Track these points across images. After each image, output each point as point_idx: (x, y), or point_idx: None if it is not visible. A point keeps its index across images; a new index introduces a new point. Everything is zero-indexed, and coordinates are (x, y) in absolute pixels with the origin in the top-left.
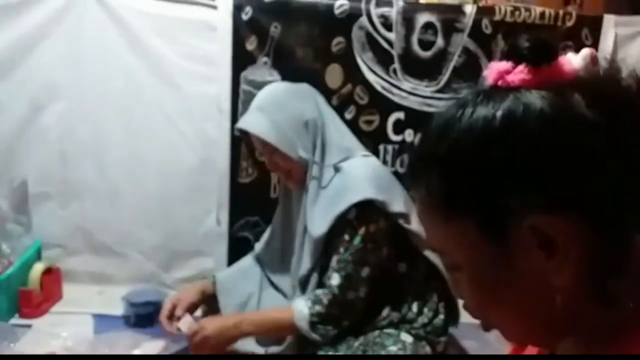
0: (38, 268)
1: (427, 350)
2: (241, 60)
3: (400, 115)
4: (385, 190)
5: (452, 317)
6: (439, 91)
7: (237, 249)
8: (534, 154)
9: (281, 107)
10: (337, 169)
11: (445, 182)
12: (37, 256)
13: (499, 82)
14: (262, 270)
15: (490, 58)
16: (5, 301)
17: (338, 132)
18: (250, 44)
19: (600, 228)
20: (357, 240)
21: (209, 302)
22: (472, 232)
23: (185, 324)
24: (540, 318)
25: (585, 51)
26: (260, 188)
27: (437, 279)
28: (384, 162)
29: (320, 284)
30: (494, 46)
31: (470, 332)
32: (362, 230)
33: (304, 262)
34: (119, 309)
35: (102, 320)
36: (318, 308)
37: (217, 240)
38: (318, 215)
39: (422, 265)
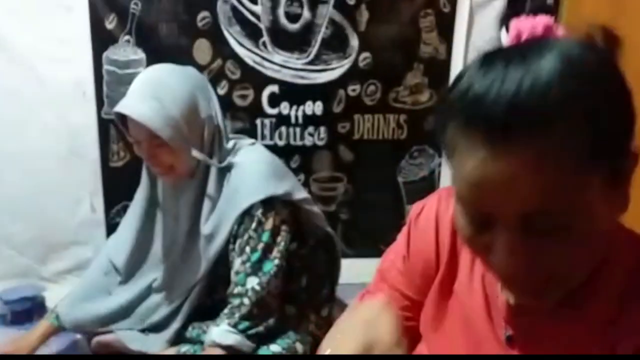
0: None
1: (312, 317)
2: (102, 40)
3: (274, 88)
4: (283, 180)
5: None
6: (309, 63)
7: None
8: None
9: (175, 96)
10: (230, 166)
11: (593, 129)
12: None
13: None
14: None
15: (356, 29)
16: None
17: (224, 120)
18: (110, 23)
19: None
20: (265, 237)
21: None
22: (599, 182)
23: None
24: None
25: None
26: (134, 171)
27: (325, 250)
28: (262, 136)
29: (210, 289)
30: (358, 16)
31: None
32: (269, 225)
33: (196, 267)
34: None
35: None
36: (240, 312)
37: (93, 228)
38: (215, 215)
39: (311, 239)
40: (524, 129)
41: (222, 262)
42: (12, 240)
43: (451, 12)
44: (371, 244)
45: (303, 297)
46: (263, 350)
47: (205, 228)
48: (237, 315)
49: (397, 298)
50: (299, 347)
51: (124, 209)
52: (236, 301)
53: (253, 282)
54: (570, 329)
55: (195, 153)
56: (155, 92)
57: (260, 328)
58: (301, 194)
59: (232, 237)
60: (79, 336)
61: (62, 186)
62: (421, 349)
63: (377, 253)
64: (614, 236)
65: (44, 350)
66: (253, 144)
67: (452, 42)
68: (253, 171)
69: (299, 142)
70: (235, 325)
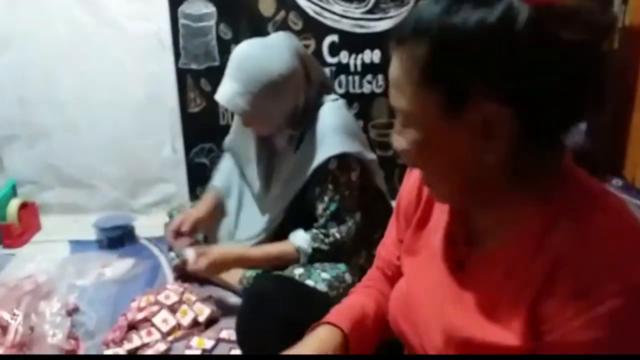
0: (14, 203)
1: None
2: None
3: (334, 37)
4: (356, 140)
5: None
6: (368, 12)
7: (195, 174)
8: (498, 56)
9: (253, 76)
10: (314, 119)
11: (432, 54)
12: (13, 193)
13: None
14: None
15: None
16: None
17: (315, 71)
18: None
19: (531, 126)
20: (341, 189)
21: (215, 214)
22: (434, 102)
23: (190, 255)
24: (463, 184)
25: None
26: (210, 116)
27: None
28: None
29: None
30: None
31: None
32: (344, 178)
33: (276, 205)
34: (92, 235)
35: (77, 245)
36: (317, 245)
37: (175, 167)
38: (297, 164)
39: (370, 192)
40: (401, 41)
41: (303, 201)
42: (106, 177)
43: None
44: None
45: (358, 236)
46: (314, 276)
47: (288, 175)
48: (316, 244)
49: (389, 262)
50: (348, 278)
51: (202, 151)
52: (318, 233)
53: (333, 229)
54: (507, 256)
55: (283, 127)
56: (236, 73)
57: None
58: (370, 155)
59: (312, 185)
60: (162, 260)
61: (147, 130)
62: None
63: None
64: (562, 190)
65: (125, 265)
66: (336, 99)
67: None
68: (331, 125)
69: (357, 90)
70: (313, 246)
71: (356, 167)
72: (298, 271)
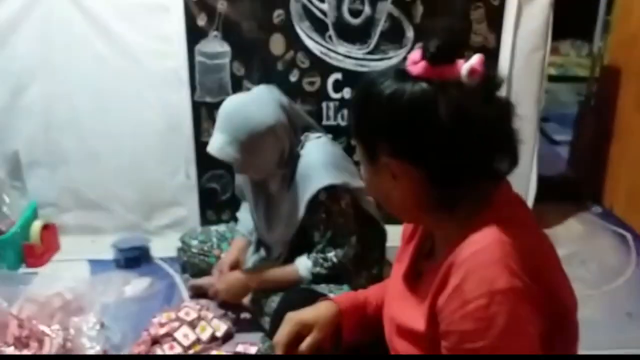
0: (37, 225)
1: (364, 274)
2: (194, 35)
3: (338, 75)
4: (342, 172)
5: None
6: (369, 53)
7: (206, 199)
8: (397, 123)
9: (242, 128)
10: (299, 156)
11: (355, 117)
12: (34, 215)
13: (408, 67)
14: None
15: (411, 22)
16: (12, 254)
17: (298, 117)
18: (201, 20)
19: (432, 176)
20: (334, 217)
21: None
22: (362, 151)
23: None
24: (397, 209)
25: (475, 57)
26: None
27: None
28: (327, 117)
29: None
30: (414, 11)
31: None
32: (336, 207)
33: (280, 243)
34: (109, 254)
35: (96, 264)
36: (319, 270)
37: (188, 191)
38: (291, 202)
39: (362, 218)
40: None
41: (303, 232)
42: (123, 201)
43: (500, 5)
44: None
45: (357, 259)
46: None
47: (286, 211)
48: (317, 269)
49: None
50: None
51: (213, 177)
52: (319, 257)
53: (331, 253)
54: (431, 272)
55: (272, 170)
56: (224, 125)
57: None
58: (357, 182)
59: (307, 216)
60: (177, 279)
61: (163, 157)
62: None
63: None
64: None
65: (143, 284)
66: (319, 137)
67: (501, 32)
68: (316, 161)
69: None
70: (313, 271)
71: (345, 196)
72: None
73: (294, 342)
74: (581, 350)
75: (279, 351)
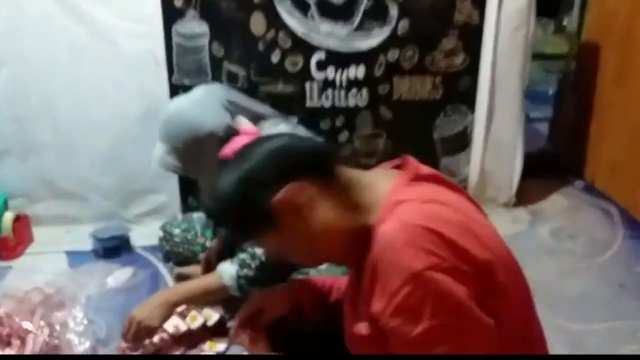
0: (8, 216)
1: None
2: (171, 15)
3: (321, 55)
4: None
5: None
6: (353, 31)
7: (186, 184)
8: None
9: (179, 136)
10: None
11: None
12: (5, 206)
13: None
14: None
15: None
16: None
17: (246, 114)
18: (178, 0)
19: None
20: None
21: None
22: (259, 232)
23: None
24: (327, 244)
25: None
26: None
27: None
28: (311, 97)
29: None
30: None
31: None
32: None
33: None
34: (87, 245)
35: (74, 256)
36: (246, 271)
37: (167, 177)
38: None
39: None
40: None
41: None
42: (99, 189)
43: None
44: None
45: None
46: None
47: None
48: (245, 271)
49: None
50: None
51: None
52: (245, 257)
53: (260, 250)
54: (357, 294)
55: None
56: (162, 134)
57: (256, 288)
58: None
59: None
60: (160, 268)
61: (139, 142)
62: None
63: None
64: (361, 239)
65: (126, 274)
66: (277, 125)
67: (485, 9)
68: None
69: (343, 104)
70: (240, 274)
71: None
72: None
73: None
74: (577, 323)
75: (234, 327)
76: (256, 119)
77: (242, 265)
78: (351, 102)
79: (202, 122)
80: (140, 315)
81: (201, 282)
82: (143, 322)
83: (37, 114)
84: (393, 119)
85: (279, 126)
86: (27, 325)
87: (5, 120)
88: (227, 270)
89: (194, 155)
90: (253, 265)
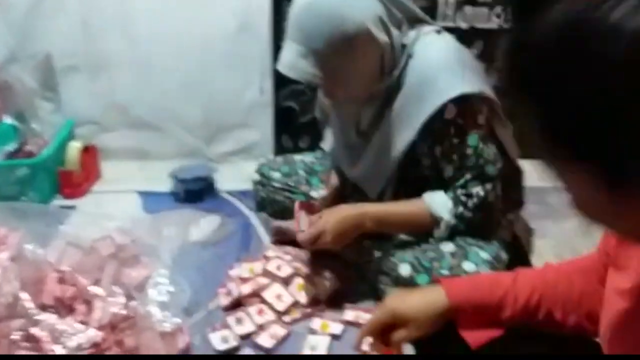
0: (75, 147)
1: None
2: None
3: None
4: (475, 76)
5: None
6: None
7: (282, 120)
8: None
9: (317, 34)
10: (409, 56)
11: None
12: (71, 135)
13: None
14: None
15: None
16: (45, 183)
17: (401, 8)
18: None
19: None
20: (472, 140)
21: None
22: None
23: (303, 220)
24: None
25: None
26: None
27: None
28: (444, 16)
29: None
30: None
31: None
32: (471, 125)
33: (377, 175)
34: (163, 186)
35: (148, 198)
36: (462, 210)
37: (261, 110)
38: (397, 121)
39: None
40: None
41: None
42: (180, 120)
43: None
44: None
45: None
46: (473, 256)
47: (388, 136)
48: (460, 209)
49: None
50: (504, 255)
51: (293, 93)
52: (459, 194)
53: (477, 188)
54: None
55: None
56: (295, 32)
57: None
58: (492, 94)
59: (427, 142)
60: (253, 219)
61: (232, 65)
62: None
63: None
64: None
65: (212, 224)
66: (438, 32)
67: None
68: (437, 61)
69: (484, 24)
70: (455, 212)
71: (483, 108)
72: (448, 248)
73: (385, 332)
74: None
75: (359, 337)
76: (409, 19)
77: (457, 202)
78: (494, 23)
79: (351, 15)
80: (325, 225)
81: (404, 207)
82: (325, 235)
83: (109, 25)
84: None
85: (440, 34)
86: (94, 289)
87: (72, 28)
88: (442, 201)
89: (340, 60)
90: (469, 205)
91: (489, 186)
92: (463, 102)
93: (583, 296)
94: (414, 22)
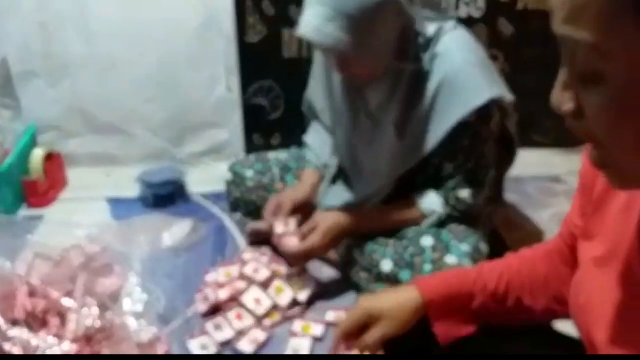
0: (38, 154)
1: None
2: None
3: None
4: (495, 78)
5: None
6: None
7: (252, 118)
8: None
9: (345, 5)
10: (434, 55)
11: None
12: (33, 142)
13: None
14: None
15: None
16: (9, 193)
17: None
18: None
19: None
20: (480, 145)
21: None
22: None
23: (288, 228)
24: None
25: None
26: (271, 47)
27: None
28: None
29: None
30: None
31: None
32: (485, 131)
33: (388, 168)
34: (132, 191)
35: (117, 204)
36: (450, 212)
37: (229, 109)
38: (420, 117)
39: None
40: None
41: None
42: (147, 121)
43: None
44: (522, 133)
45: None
46: (455, 250)
47: (411, 130)
48: (448, 210)
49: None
50: (483, 248)
51: (261, 90)
52: (451, 196)
53: (465, 192)
54: None
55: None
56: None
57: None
58: (509, 95)
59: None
60: (227, 221)
61: (197, 63)
62: None
63: (530, 143)
64: None
65: (184, 229)
66: (455, 27)
67: None
68: (463, 65)
69: (451, 13)
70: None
71: (496, 114)
72: (428, 242)
73: (358, 332)
74: None
75: (335, 339)
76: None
77: (447, 203)
78: (462, 12)
79: None
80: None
81: (399, 212)
82: (316, 244)
83: (68, 26)
84: (514, 36)
85: (459, 30)
86: (67, 301)
87: (29, 31)
88: (433, 201)
89: (370, 25)
90: (458, 208)
91: (477, 190)
92: (483, 108)
93: (549, 279)
94: (432, 6)
